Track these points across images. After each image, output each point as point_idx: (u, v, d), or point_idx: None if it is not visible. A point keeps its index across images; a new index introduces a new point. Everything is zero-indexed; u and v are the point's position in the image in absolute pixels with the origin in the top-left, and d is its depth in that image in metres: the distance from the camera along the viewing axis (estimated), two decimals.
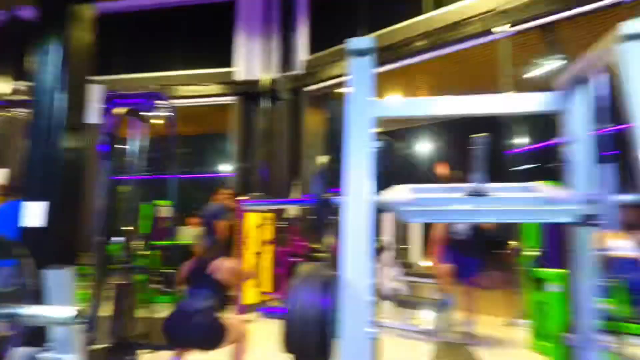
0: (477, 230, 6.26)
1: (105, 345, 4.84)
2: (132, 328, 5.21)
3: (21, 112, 11.56)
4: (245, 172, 11.75)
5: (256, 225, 8.65)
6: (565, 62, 8.01)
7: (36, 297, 1.74)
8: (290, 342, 1.81)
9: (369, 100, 2.09)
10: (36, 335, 2.67)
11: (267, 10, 12.23)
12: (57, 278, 1.91)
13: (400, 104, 2.26)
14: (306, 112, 11.69)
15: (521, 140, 8.74)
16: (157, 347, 5.09)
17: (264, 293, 8.60)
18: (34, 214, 4.26)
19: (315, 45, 11.71)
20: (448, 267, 6.31)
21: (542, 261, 5.87)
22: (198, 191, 15.77)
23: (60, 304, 1.81)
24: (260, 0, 12.30)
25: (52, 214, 4.40)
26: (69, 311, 1.56)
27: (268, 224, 8.92)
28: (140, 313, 5.70)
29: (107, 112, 5.26)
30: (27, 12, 12.03)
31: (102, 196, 4.95)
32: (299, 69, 11.75)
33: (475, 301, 6.45)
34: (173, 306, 4.30)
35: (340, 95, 10.67)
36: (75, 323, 1.53)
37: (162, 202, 10.35)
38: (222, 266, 4.33)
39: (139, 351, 5.02)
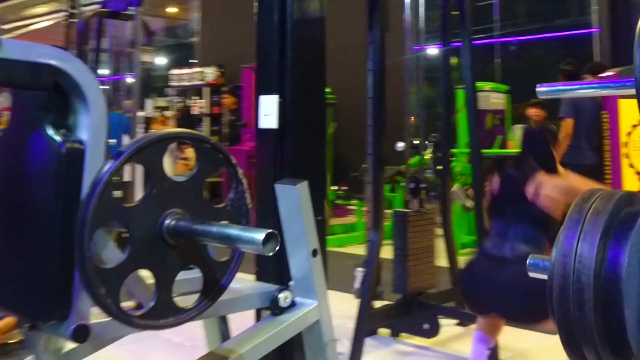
0: None
1: (388, 303, 3.40)
2: (432, 281, 3.46)
3: None
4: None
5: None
6: None
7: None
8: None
9: None
10: (281, 272, 2.11)
11: None
12: (289, 196, 1.43)
13: None
14: None
15: None
16: (465, 316, 3.41)
17: None
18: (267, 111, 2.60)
19: None
20: None
21: None
22: (533, 65, 9.59)
23: (295, 233, 1.43)
24: None
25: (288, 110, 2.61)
26: (257, 233, 1.09)
27: None
28: (442, 260, 3.68)
29: None
30: None
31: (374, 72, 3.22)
32: None
33: None
34: (474, 251, 2.85)
35: None
36: (267, 250, 1.08)
37: (487, 85, 6.36)
38: (549, 185, 2.56)
39: (440, 317, 3.35)
